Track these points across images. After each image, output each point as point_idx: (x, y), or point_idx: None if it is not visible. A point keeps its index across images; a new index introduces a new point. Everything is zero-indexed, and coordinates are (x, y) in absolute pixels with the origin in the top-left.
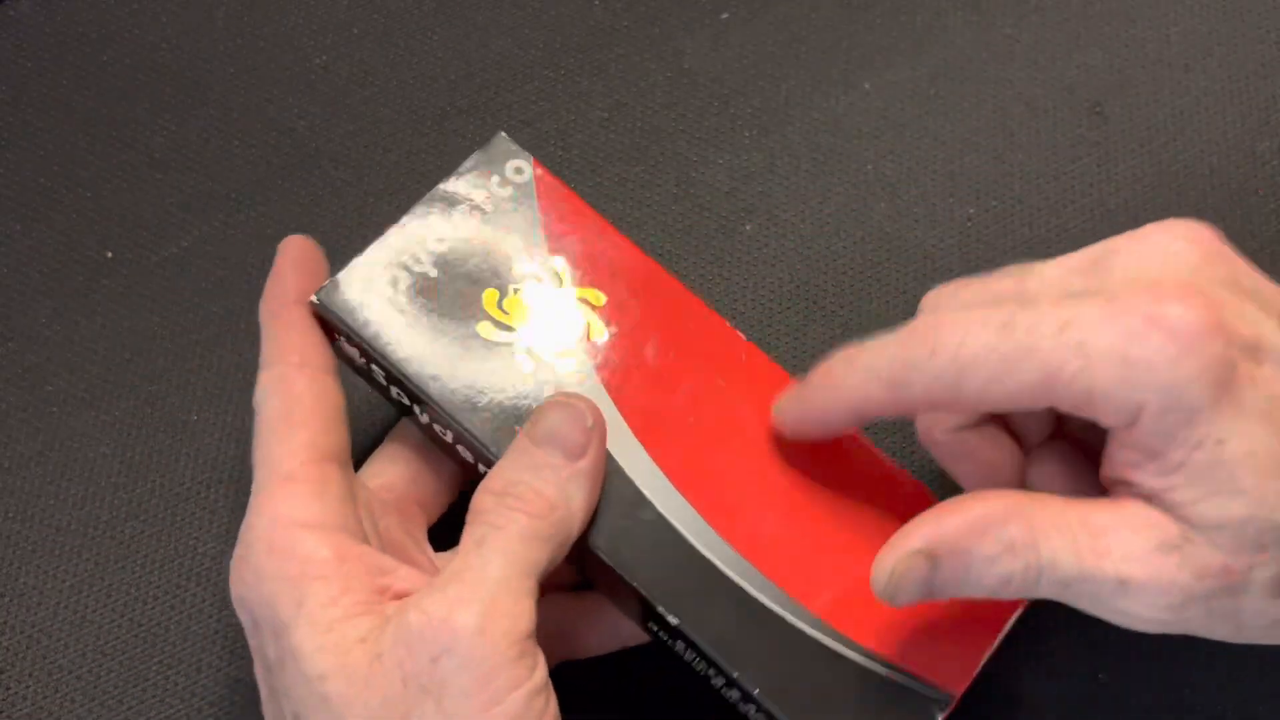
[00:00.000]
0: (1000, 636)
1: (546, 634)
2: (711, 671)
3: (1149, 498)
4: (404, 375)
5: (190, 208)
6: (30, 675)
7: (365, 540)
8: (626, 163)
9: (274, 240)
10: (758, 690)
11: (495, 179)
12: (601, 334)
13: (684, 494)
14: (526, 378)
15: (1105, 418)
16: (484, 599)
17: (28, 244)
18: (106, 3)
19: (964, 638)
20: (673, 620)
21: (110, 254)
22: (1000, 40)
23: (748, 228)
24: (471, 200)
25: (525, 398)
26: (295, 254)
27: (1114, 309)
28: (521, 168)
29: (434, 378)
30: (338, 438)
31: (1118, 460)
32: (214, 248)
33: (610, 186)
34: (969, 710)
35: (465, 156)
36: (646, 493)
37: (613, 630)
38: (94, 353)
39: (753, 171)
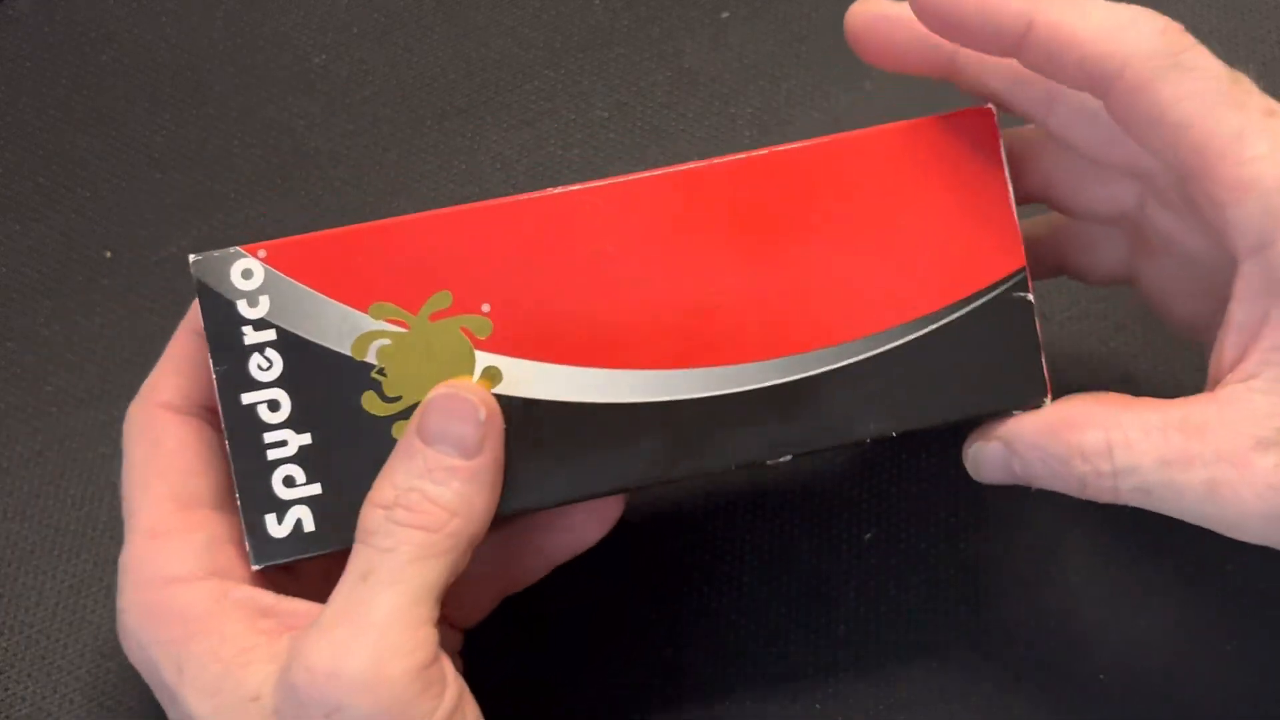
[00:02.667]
0: (1009, 184)
1: (472, 582)
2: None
3: (1264, 373)
4: None
5: (190, 208)
6: (30, 675)
7: (248, 578)
8: (626, 163)
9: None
10: (875, 437)
11: (243, 305)
12: (484, 328)
13: (638, 367)
14: None
15: (1241, 227)
16: (373, 642)
17: (27, 244)
18: (106, 2)
19: (978, 215)
20: (787, 457)
21: (110, 254)
22: None
23: None
24: (250, 348)
25: None
26: None
27: None
28: (249, 269)
29: None
30: (207, 480)
31: (1239, 318)
32: (214, 247)
33: None
34: (966, 710)
35: (465, 156)
36: (616, 399)
37: (541, 558)
38: (93, 353)
39: None
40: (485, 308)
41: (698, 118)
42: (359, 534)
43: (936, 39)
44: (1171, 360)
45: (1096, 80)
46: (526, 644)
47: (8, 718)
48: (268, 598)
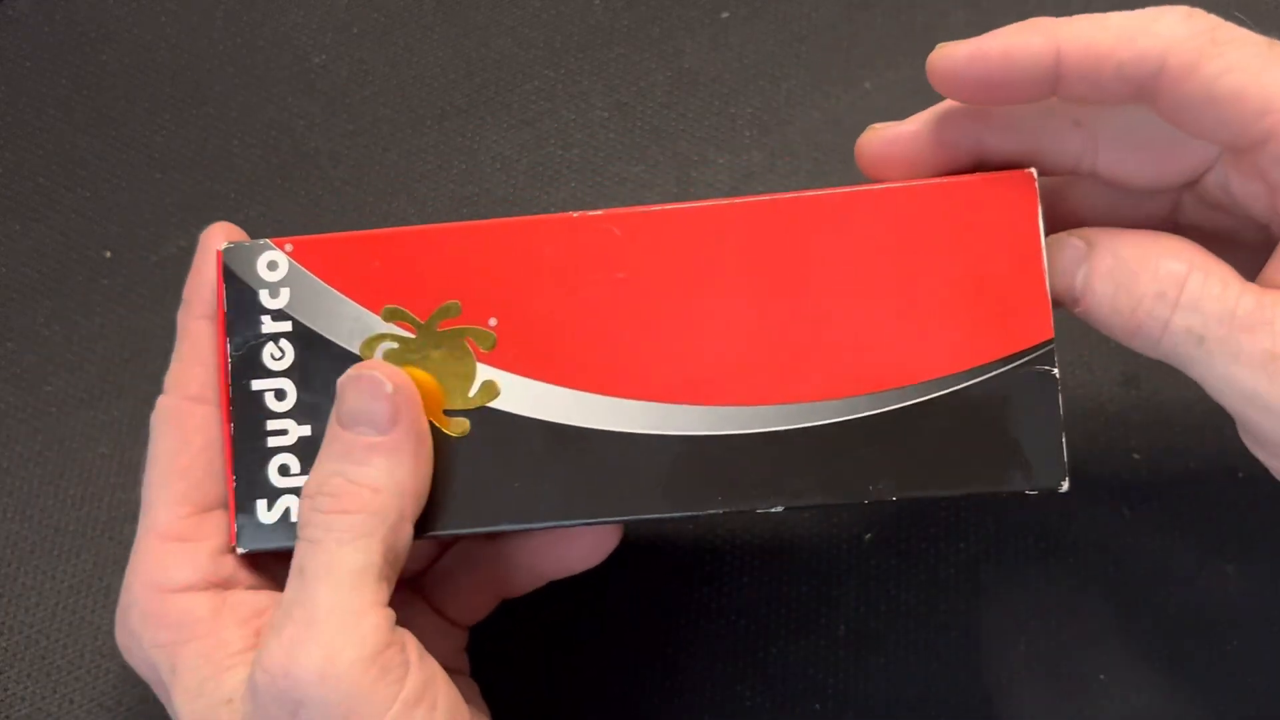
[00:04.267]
0: (1044, 252)
1: (468, 584)
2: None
3: None
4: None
5: (190, 208)
6: (30, 675)
7: (252, 583)
8: (626, 163)
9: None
10: (875, 499)
11: (264, 295)
12: (489, 341)
13: (637, 397)
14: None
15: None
16: (320, 637)
17: (27, 244)
18: (106, 2)
19: (1009, 282)
20: (776, 509)
21: (110, 254)
22: None
23: None
24: (267, 337)
25: None
26: (220, 244)
27: None
28: (275, 261)
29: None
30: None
31: None
32: None
33: (610, 186)
34: (966, 709)
35: (465, 156)
36: (610, 427)
37: (533, 575)
38: (93, 353)
39: (753, 171)
40: (492, 321)
41: (698, 118)
42: (298, 529)
43: (950, 139)
44: None
45: (1140, 83)
46: (526, 642)
47: (8, 718)
48: (263, 598)
